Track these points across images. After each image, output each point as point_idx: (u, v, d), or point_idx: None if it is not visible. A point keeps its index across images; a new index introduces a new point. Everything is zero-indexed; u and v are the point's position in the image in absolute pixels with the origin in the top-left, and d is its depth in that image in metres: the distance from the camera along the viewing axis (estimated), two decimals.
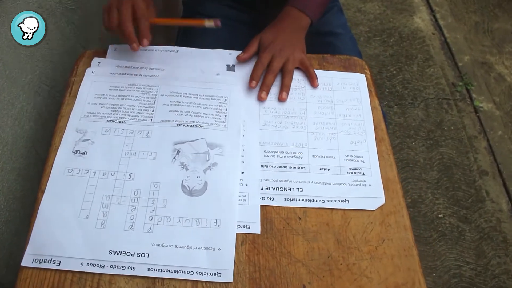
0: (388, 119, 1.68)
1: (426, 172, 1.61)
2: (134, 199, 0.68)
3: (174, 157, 0.72)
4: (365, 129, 0.78)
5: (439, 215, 1.52)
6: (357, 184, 0.72)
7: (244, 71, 0.84)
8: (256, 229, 0.67)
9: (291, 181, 0.72)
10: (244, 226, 0.67)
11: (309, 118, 0.79)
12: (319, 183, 0.72)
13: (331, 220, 0.69)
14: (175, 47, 0.87)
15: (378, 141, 0.78)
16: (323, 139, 0.76)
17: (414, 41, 1.99)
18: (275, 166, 0.73)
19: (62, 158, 0.72)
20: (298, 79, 0.84)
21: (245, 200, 0.69)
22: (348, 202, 0.70)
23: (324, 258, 0.66)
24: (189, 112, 0.77)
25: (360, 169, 0.74)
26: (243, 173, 0.72)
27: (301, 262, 0.65)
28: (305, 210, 0.70)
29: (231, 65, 0.85)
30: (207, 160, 0.72)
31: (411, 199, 1.54)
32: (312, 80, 0.83)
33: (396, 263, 0.66)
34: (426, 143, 1.68)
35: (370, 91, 0.84)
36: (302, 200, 0.70)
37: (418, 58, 1.93)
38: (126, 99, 0.79)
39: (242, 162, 0.73)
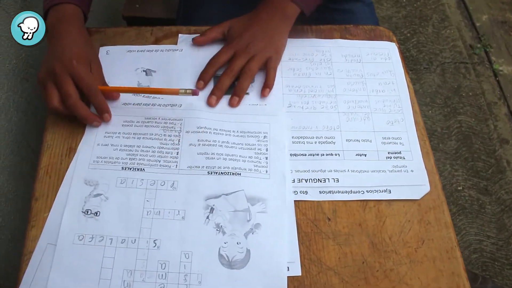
0: None
1: (444, 142, 1.52)
2: (162, 275, 0.56)
3: (207, 217, 0.59)
4: (402, 106, 0.70)
5: (458, 188, 1.45)
6: (398, 171, 0.64)
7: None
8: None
9: (325, 170, 0.63)
10: None
11: (338, 96, 0.69)
12: (356, 171, 0.64)
13: (364, 220, 0.61)
14: (178, 46, 0.73)
15: None
16: (357, 120, 0.68)
17: (428, 1, 1.86)
18: (305, 154, 0.64)
19: (70, 220, 0.58)
20: (323, 51, 0.74)
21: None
22: (390, 192, 0.63)
23: (358, 264, 0.59)
24: (222, 154, 0.63)
25: (400, 152, 0.66)
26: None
27: (333, 270, 0.58)
28: (334, 209, 0.62)
29: None
30: (248, 221, 0.59)
31: None
32: (263, 87, 0.68)
33: (439, 266, 0.59)
34: (443, 111, 1.59)
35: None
36: (339, 192, 0.62)
37: (433, 18, 1.80)
38: (143, 138, 0.64)
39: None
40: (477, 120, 1.58)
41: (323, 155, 0.64)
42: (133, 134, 0.65)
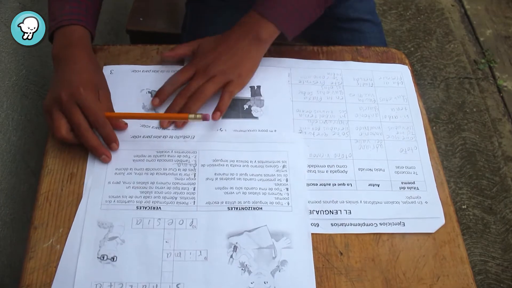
0: None
1: (448, 159, 1.51)
2: None
3: (231, 256, 0.56)
4: (415, 133, 0.67)
5: (463, 206, 1.43)
6: (412, 202, 0.62)
7: (271, 94, 0.68)
8: None
9: (336, 201, 0.61)
10: None
11: (350, 122, 0.67)
12: (369, 202, 0.61)
13: (377, 254, 0.59)
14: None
15: None
16: (369, 148, 0.65)
17: (432, 14, 1.84)
18: (317, 184, 0.62)
19: (85, 267, 0.54)
20: (334, 74, 0.72)
21: None
22: (403, 225, 0.60)
23: None
24: (241, 188, 0.60)
25: (413, 182, 0.63)
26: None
27: None
28: (346, 242, 0.59)
29: (255, 87, 0.69)
30: (274, 258, 0.56)
31: None
32: (214, 110, 0.63)
33: None
34: (447, 127, 1.57)
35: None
36: (351, 224, 0.60)
37: (437, 32, 1.79)
38: (157, 173, 0.61)
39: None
40: (482, 137, 1.56)
41: (335, 185, 0.62)
42: (146, 169, 0.61)
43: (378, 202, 0.61)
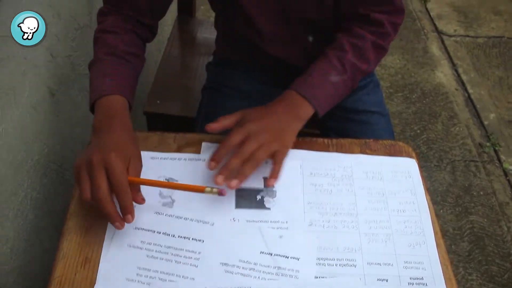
0: None
1: (457, 243, 1.49)
2: None
3: None
4: (423, 228, 0.69)
5: None
6: None
7: (284, 185, 0.70)
8: None
9: None
10: None
11: (359, 215, 0.69)
12: None
13: None
14: (200, 155, 0.74)
15: None
16: (378, 241, 0.66)
17: (437, 98, 1.91)
18: (326, 277, 0.62)
19: None
20: (344, 167, 0.74)
21: None
22: None
23: None
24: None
25: (422, 278, 0.64)
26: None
27: None
28: None
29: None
30: None
31: None
32: (269, 177, 0.68)
33: None
34: (454, 210, 1.57)
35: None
36: None
37: (442, 115, 1.85)
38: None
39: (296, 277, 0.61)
40: (490, 220, 1.56)
41: (344, 279, 0.62)
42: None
43: None
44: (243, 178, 0.66)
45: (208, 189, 0.63)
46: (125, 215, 0.61)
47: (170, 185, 0.68)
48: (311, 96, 0.73)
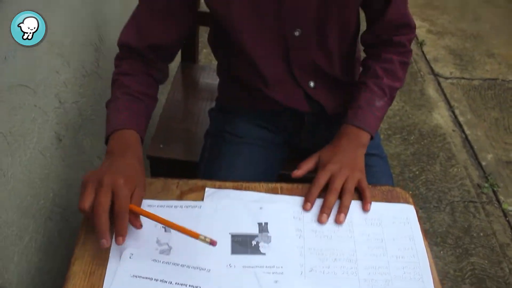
0: None
1: (458, 285, 1.48)
2: None
3: None
4: (421, 274, 0.69)
5: None
6: None
7: (278, 231, 0.72)
8: None
9: None
10: None
11: (359, 261, 0.70)
12: None
13: None
14: (202, 202, 0.75)
15: None
16: (377, 287, 0.67)
17: (435, 139, 1.94)
18: None
19: None
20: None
21: None
22: None
23: None
24: None
25: None
26: None
27: None
28: None
29: (263, 224, 0.73)
30: None
31: None
32: (365, 203, 0.77)
33: None
34: (455, 251, 1.57)
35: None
36: None
37: (440, 157, 1.87)
38: None
39: None
40: (491, 262, 1.56)
41: None
42: None
43: None
44: (346, 210, 0.75)
45: (202, 237, 0.65)
46: (117, 236, 0.66)
47: (166, 222, 0.68)
48: (366, 125, 0.85)
